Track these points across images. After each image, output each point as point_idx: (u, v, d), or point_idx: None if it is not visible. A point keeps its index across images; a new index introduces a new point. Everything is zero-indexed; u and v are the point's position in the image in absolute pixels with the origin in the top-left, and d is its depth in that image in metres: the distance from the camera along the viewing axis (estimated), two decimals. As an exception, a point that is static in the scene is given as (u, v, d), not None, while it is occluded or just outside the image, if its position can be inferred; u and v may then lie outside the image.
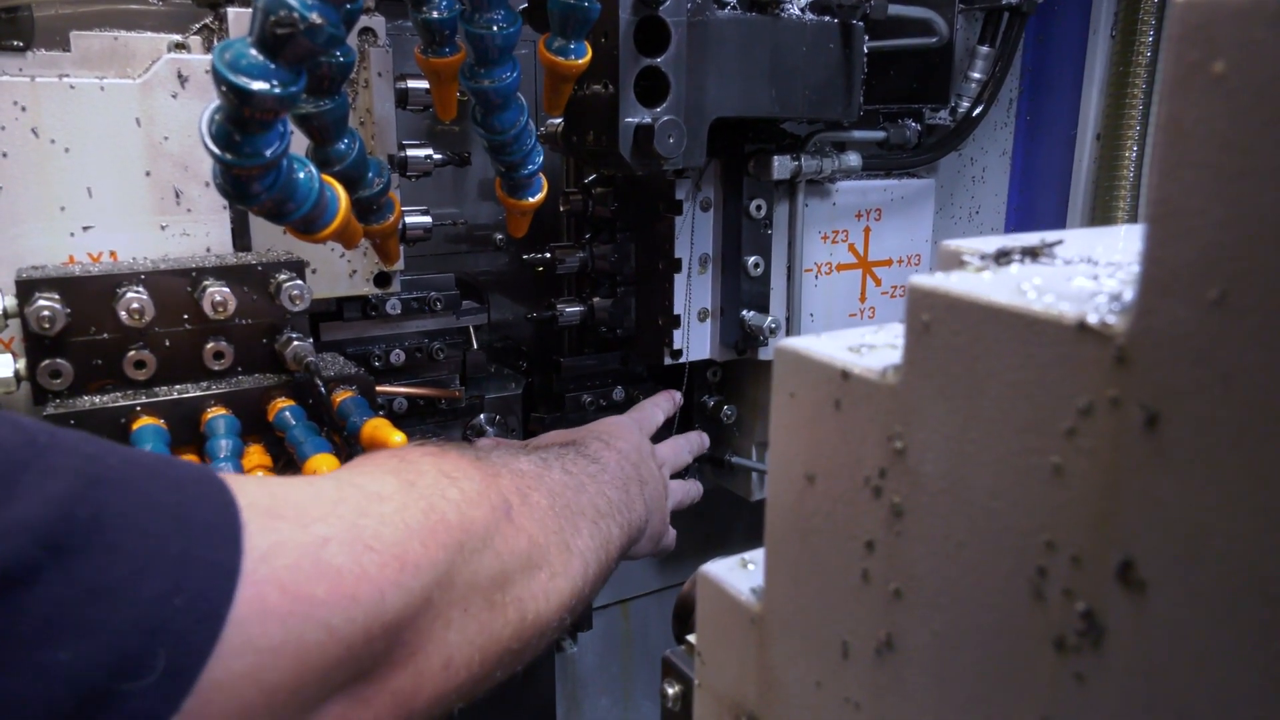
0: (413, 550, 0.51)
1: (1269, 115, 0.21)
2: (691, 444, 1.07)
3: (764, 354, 1.04)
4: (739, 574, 0.42)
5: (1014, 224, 1.42)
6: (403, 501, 0.53)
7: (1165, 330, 0.23)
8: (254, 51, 0.50)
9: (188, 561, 0.40)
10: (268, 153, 0.54)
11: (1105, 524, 0.25)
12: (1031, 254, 0.33)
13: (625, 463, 0.84)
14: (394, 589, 0.49)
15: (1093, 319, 0.24)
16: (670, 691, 0.51)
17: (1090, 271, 0.30)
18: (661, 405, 1.04)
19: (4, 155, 0.75)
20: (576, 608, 0.65)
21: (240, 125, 0.52)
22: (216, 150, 0.53)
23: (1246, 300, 0.21)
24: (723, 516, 1.36)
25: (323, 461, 0.72)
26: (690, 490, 1.02)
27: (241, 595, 0.42)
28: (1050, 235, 0.35)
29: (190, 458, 0.74)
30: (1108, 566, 0.25)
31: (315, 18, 0.49)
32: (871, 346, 0.34)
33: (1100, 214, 1.29)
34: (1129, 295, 0.26)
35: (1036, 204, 1.39)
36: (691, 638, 0.47)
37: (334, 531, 0.48)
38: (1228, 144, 0.22)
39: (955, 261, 0.33)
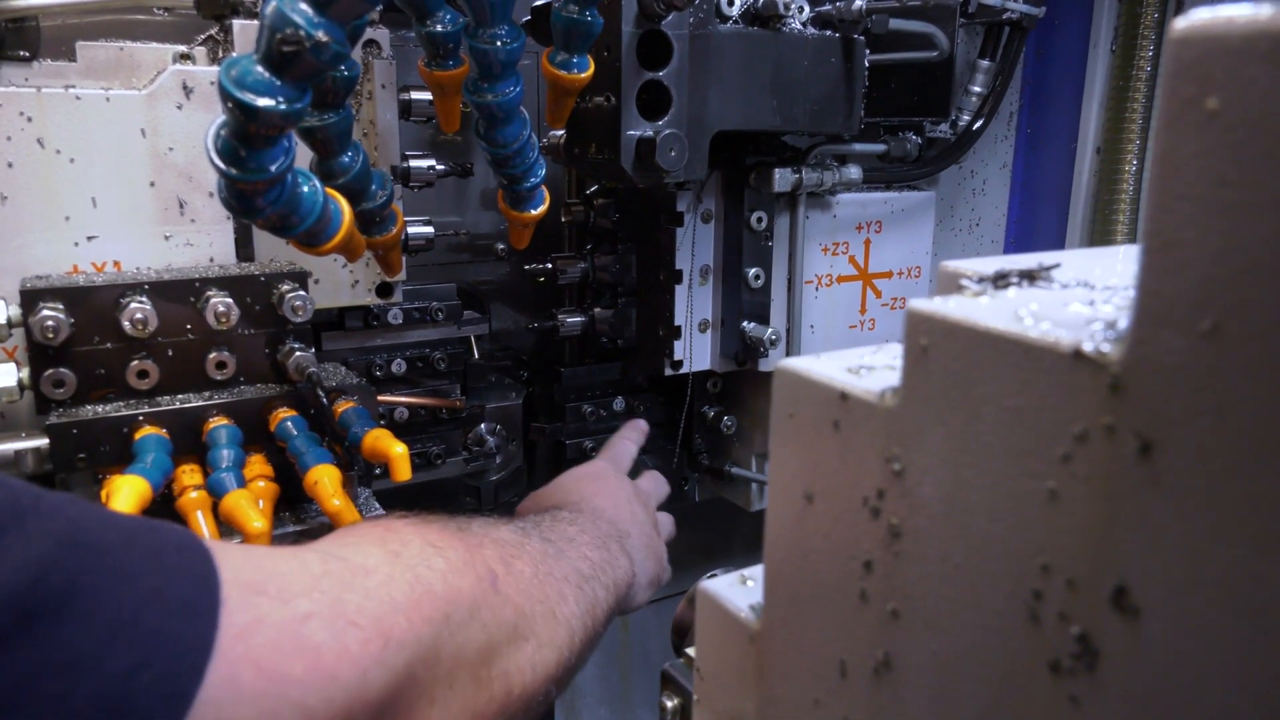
0: (398, 625, 0.49)
1: (1262, 150, 0.21)
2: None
3: (764, 365, 1.05)
4: (738, 590, 0.42)
5: (1014, 236, 1.42)
6: (388, 574, 0.52)
7: (1159, 360, 0.23)
8: (260, 68, 0.50)
9: (159, 636, 0.39)
10: (273, 167, 0.54)
11: (1100, 549, 0.25)
12: (1029, 277, 0.34)
13: (601, 521, 0.81)
14: (377, 666, 0.47)
15: (1088, 347, 0.25)
16: (669, 705, 0.51)
17: (1087, 297, 0.30)
18: (631, 439, 1.02)
19: (9, 165, 0.75)
20: (563, 678, 0.63)
21: (246, 141, 0.53)
22: (222, 165, 0.53)
23: (1239, 331, 0.22)
24: (722, 527, 1.36)
25: (324, 472, 0.72)
26: (667, 527, 0.99)
27: (214, 674, 0.40)
28: (1048, 258, 0.36)
29: (191, 468, 0.74)
30: (1102, 591, 0.25)
31: (321, 35, 0.49)
32: (870, 368, 0.34)
33: (1100, 226, 1.29)
34: (1124, 323, 0.26)
35: (1037, 216, 1.39)
36: (690, 651, 0.48)
37: (317, 607, 0.47)
38: (1221, 178, 0.22)
39: (954, 284, 0.34)
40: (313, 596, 0.47)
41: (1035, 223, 1.39)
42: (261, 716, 0.42)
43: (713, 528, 1.37)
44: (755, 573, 0.43)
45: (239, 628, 0.42)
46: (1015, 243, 1.42)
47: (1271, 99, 0.21)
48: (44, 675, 0.36)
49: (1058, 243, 1.35)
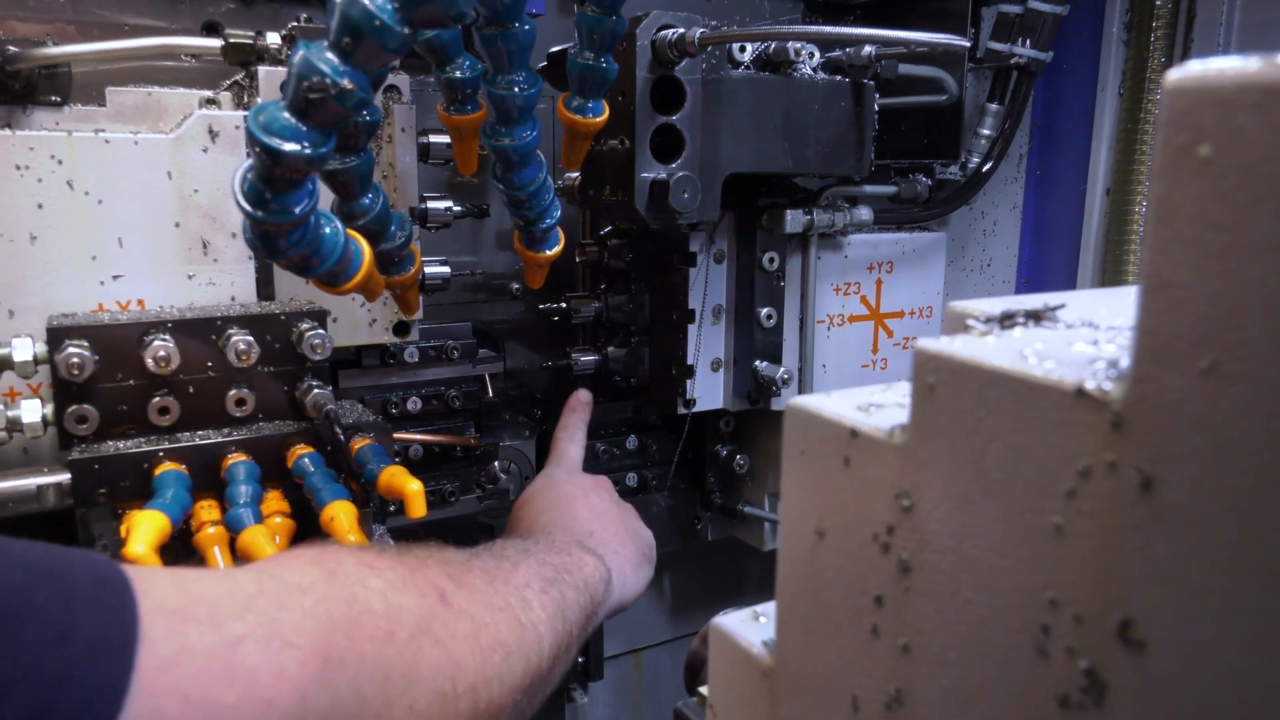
0: (338, 644, 0.48)
1: (1253, 196, 0.22)
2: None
3: (776, 404, 1.05)
4: (751, 627, 0.42)
5: (1025, 276, 1.43)
6: (325, 592, 0.50)
7: (1159, 397, 0.24)
8: (287, 114, 0.52)
9: (64, 680, 0.37)
10: (297, 210, 0.56)
11: (1105, 584, 0.25)
12: (1035, 317, 0.34)
13: (554, 531, 0.80)
14: (317, 687, 0.45)
15: (1090, 385, 0.25)
16: (682, 743, 0.51)
17: (1091, 336, 0.31)
18: (573, 430, 0.99)
19: (40, 206, 0.77)
20: (534, 686, 0.61)
21: (271, 184, 0.54)
22: (248, 207, 0.55)
23: (1236, 369, 0.22)
24: (735, 566, 1.36)
25: (340, 508, 0.73)
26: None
27: (132, 711, 0.39)
28: (1053, 298, 0.36)
29: (210, 503, 0.75)
30: (1108, 625, 0.25)
31: (346, 83, 0.51)
32: (880, 406, 0.35)
33: (1111, 267, 1.30)
34: (1126, 362, 0.27)
35: (1048, 257, 1.40)
36: (704, 689, 0.48)
37: (250, 629, 0.45)
38: (1215, 222, 0.23)
39: (961, 324, 0.34)
40: (246, 618, 0.45)
41: (1046, 263, 1.40)
42: None
43: (725, 568, 1.36)
44: (767, 609, 0.43)
45: (162, 659, 0.40)
46: (1027, 283, 1.43)
47: (1261, 147, 0.22)
48: None
49: (1069, 283, 1.35)
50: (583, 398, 1.03)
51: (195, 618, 0.44)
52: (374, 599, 0.52)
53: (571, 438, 0.99)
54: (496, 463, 1.11)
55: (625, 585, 0.82)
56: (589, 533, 0.82)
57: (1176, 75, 0.23)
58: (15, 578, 0.39)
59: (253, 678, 0.43)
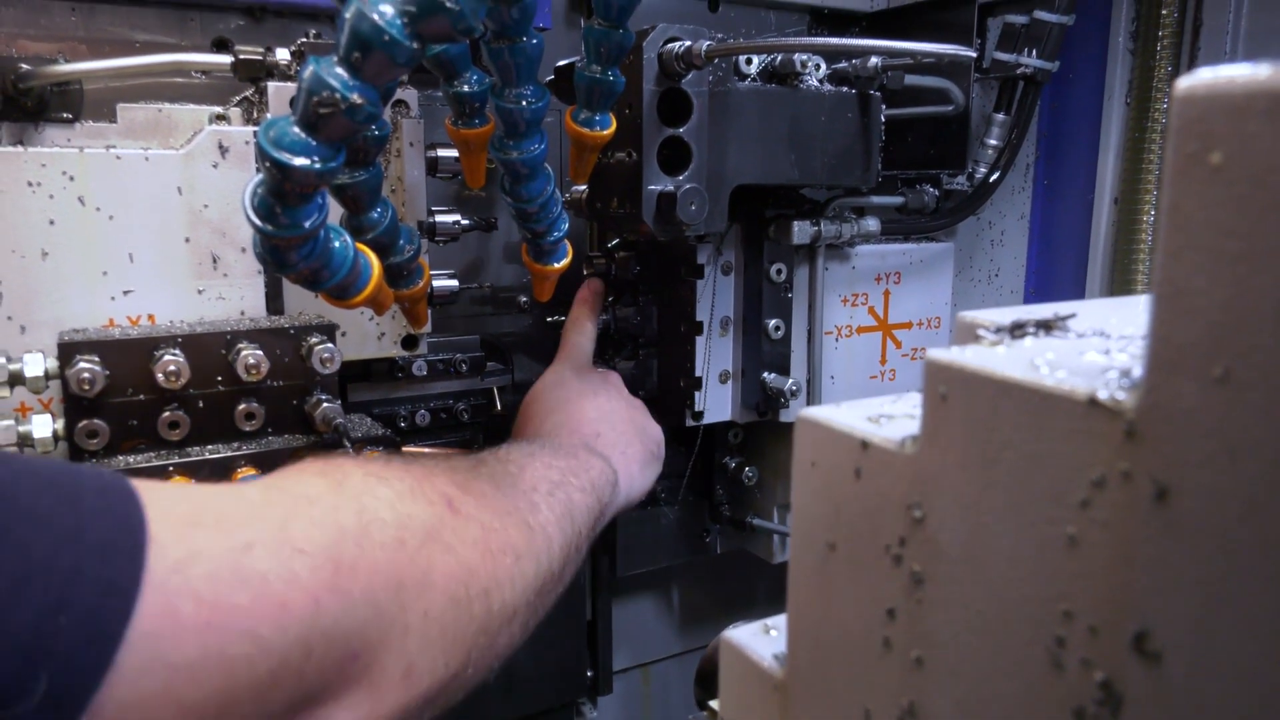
0: (348, 551, 0.48)
1: (1265, 203, 0.22)
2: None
3: (785, 416, 1.05)
4: (761, 640, 0.42)
5: (1034, 286, 1.43)
6: (333, 503, 0.50)
7: (1173, 406, 0.24)
8: (296, 129, 0.52)
9: (76, 576, 0.38)
10: (306, 224, 0.56)
11: (1120, 594, 0.25)
12: (1045, 327, 0.34)
13: (560, 434, 0.79)
14: (330, 593, 0.45)
15: (1103, 395, 0.25)
16: (693, 757, 0.51)
17: (1102, 345, 0.31)
18: (582, 323, 0.97)
19: (51, 222, 0.78)
20: (546, 587, 0.61)
21: (281, 198, 0.54)
22: (258, 222, 0.55)
23: (1249, 377, 0.22)
24: (745, 579, 1.36)
25: (349, 522, 0.73)
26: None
27: (147, 609, 0.39)
28: (1064, 307, 0.36)
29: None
30: (1124, 636, 0.25)
31: (356, 98, 0.51)
32: (890, 417, 0.34)
33: (1120, 276, 1.29)
34: (1138, 370, 0.27)
35: (1056, 266, 1.40)
36: (714, 703, 0.48)
37: (259, 535, 0.45)
38: (1227, 230, 0.23)
39: (971, 334, 0.34)
40: (254, 526, 0.45)
41: (1055, 273, 1.40)
42: (208, 648, 0.41)
43: (735, 581, 1.36)
44: (778, 622, 0.43)
45: (173, 561, 0.41)
46: (1035, 293, 1.43)
47: (1272, 154, 0.22)
48: None
49: (1078, 292, 1.35)
50: (594, 287, 1.00)
51: (203, 524, 0.44)
52: (382, 508, 0.52)
53: (581, 330, 0.98)
54: (505, 475, 1.10)
55: (633, 485, 0.82)
56: (596, 434, 0.82)
57: (1187, 83, 0.23)
58: (24, 484, 0.39)
59: (264, 582, 0.43)
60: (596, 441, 0.81)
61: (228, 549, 0.43)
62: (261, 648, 0.42)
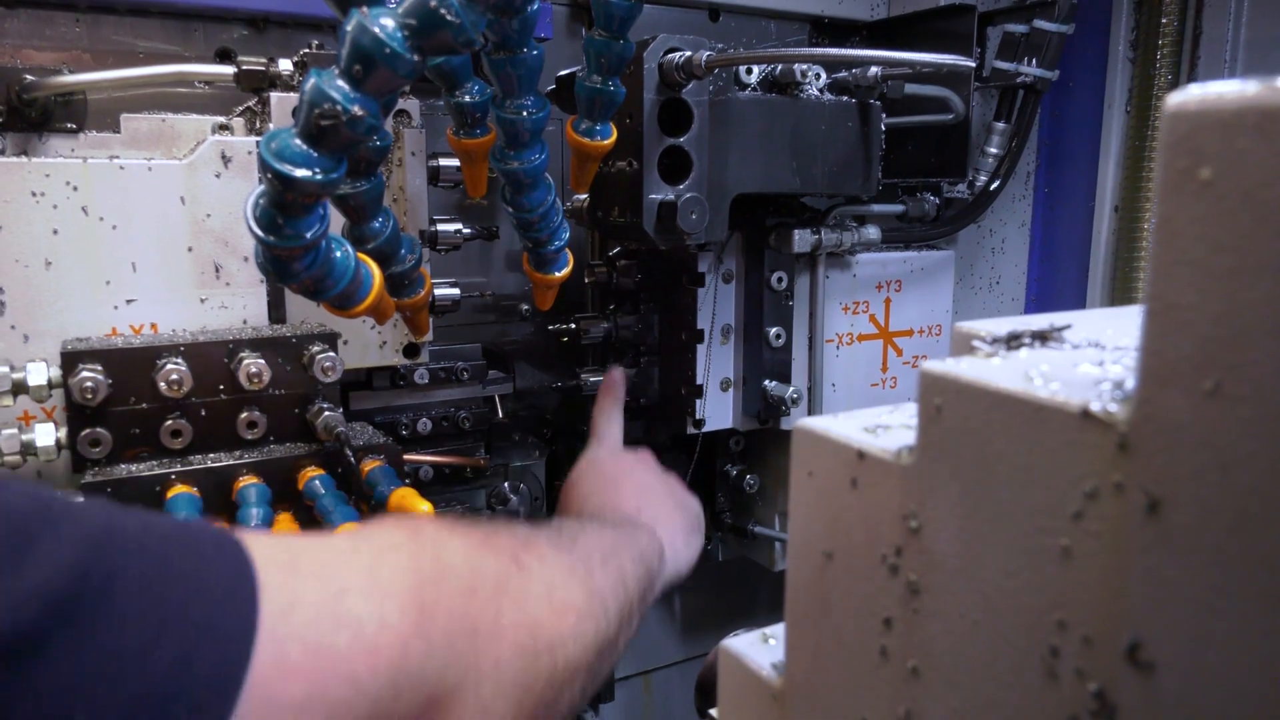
0: (428, 595, 0.50)
1: (1254, 218, 0.22)
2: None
3: (786, 424, 1.05)
4: (760, 649, 0.42)
5: (1035, 294, 1.43)
6: (413, 549, 0.52)
7: (1164, 419, 0.24)
8: (298, 141, 0.53)
9: (205, 626, 0.40)
10: (308, 234, 0.56)
11: (1113, 605, 0.25)
12: (1041, 338, 0.34)
13: (604, 510, 0.82)
14: (416, 637, 0.48)
15: (1096, 407, 0.26)
16: (692, 766, 0.51)
17: (1097, 357, 0.31)
18: (610, 412, 1.00)
19: (55, 232, 0.78)
20: (605, 652, 0.63)
21: (283, 209, 0.55)
22: (260, 232, 0.55)
23: (1240, 390, 0.23)
24: (746, 587, 1.36)
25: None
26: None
27: (261, 654, 0.41)
28: (1060, 318, 0.37)
29: (222, 525, 0.75)
30: (1117, 647, 0.25)
31: (357, 110, 0.51)
32: (887, 427, 0.35)
33: (1121, 283, 1.30)
34: (1132, 383, 0.27)
35: (1057, 274, 1.40)
36: (714, 712, 0.48)
37: (352, 581, 0.47)
38: (1217, 245, 0.23)
39: (967, 345, 0.34)
40: (346, 572, 0.48)
41: (1055, 281, 1.40)
42: (313, 690, 0.43)
43: (736, 588, 1.36)
44: (777, 631, 0.43)
45: (280, 606, 0.43)
46: (1036, 300, 1.43)
47: (1261, 169, 0.22)
48: (91, 674, 0.36)
49: (1078, 300, 1.35)
50: (616, 376, 1.03)
51: (302, 571, 0.46)
52: (456, 558, 0.54)
53: (610, 419, 1.00)
54: (506, 484, 1.11)
55: (678, 557, 0.84)
56: (638, 509, 0.84)
57: (1177, 99, 0.23)
58: (147, 535, 0.41)
59: (360, 625, 0.46)
60: (640, 516, 0.83)
61: (326, 594, 0.46)
62: (358, 690, 0.45)
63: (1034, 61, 1.18)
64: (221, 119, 0.90)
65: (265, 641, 0.42)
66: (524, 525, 0.70)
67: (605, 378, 1.04)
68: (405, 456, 0.93)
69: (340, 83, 0.52)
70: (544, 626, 0.57)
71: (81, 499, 0.42)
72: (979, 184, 1.22)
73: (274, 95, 0.85)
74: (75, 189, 0.79)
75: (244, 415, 0.79)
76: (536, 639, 0.56)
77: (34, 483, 0.43)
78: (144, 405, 0.76)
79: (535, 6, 0.67)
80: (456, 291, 0.97)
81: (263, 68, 0.86)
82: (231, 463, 0.78)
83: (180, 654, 0.39)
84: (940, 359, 0.31)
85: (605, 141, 0.80)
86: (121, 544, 0.40)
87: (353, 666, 0.44)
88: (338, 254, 0.63)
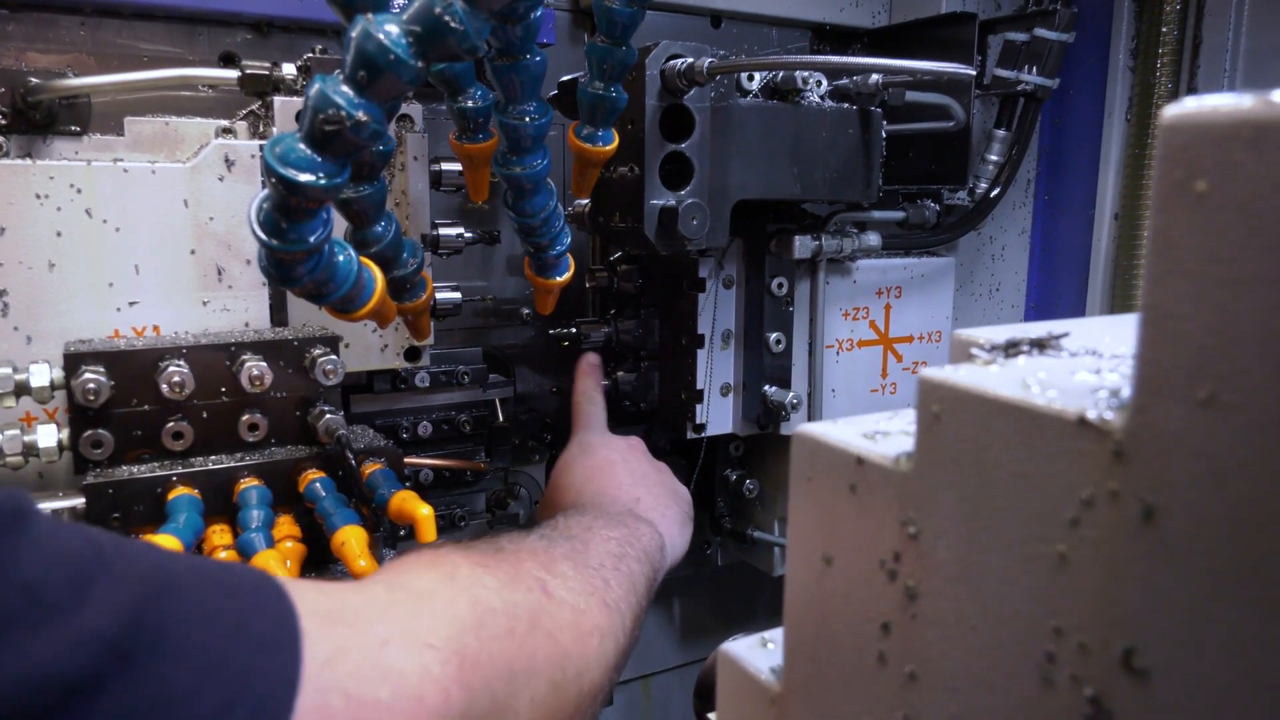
0: (469, 645, 0.50)
1: (1248, 230, 0.23)
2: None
3: (786, 429, 1.05)
4: (759, 653, 0.42)
5: (1035, 301, 1.43)
6: (449, 596, 0.53)
7: (1160, 427, 0.24)
8: (302, 146, 0.53)
9: (248, 673, 0.40)
10: (311, 238, 0.57)
11: (1109, 612, 0.26)
12: (1039, 346, 0.35)
13: (605, 500, 0.82)
14: (458, 686, 0.48)
15: (1092, 415, 0.26)
16: (691, 770, 0.51)
17: (1094, 365, 0.31)
18: (592, 394, 1.00)
19: (59, 234, 0.78)
20: (620, 664, 0.64)
21: (287, 213, 0.55)
22: (264, 236, 0.56)
23: (1235, 400, 0.23)
24: (746, 591, 1.36)
25: (351, 533, 0.73)
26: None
27: (304, 704, 0.41)
28: (1058, 326, 0.37)
29: (222, 528, 0.76)
30: (1113, 654, 0.26)
31: (361, 115, 0.52)
32: (885, 433, 0.35)
33: (1121, 291, 1.30)
34: (1128, 391, 0.27)
35: (1057, 282, 1.40)
36: (712, 716, 0.48)
37: (392, 633, 0.47)
38: (1212, 256, 0.23)
39: (965, 352, 0.35)
40: (386, 623, 0.48)
41: (1055, 288, 1.40)
42: None
43: (736, 593, 1.36)
44: (776, 635, 0.43)
45: (323, 657, 0.43)
46: (1036, 308, 1.43)
47: (1256, 182, 0.22)
48: (143, 716, 0.37)
49: (1078, 307, 1.35)
50: (591, 360, 1.04)
51: (343, 621, 0.46)
52: (493, 598, 0.55)
53: (592, 400, 1.01)
54: (506, 486, 1.11)
55: (675, 547, 0.84)
56: (636, 499, 0.84)
57: (1173, 111, 0.24)
58: (192, 578, 0.42)
59: (402, 677, 0.46)
60: (638, 506, 0.83)
61: (368, 645, 0.46)
62: None
63: (1035, 70, 1.19)
64: (225, 123, 0.90)
65: (309, 691, 0.42)
66: (534, 534, 0.70)
67: (581, 361, 1.04)
68: (406, 460, 0.94)
69: (345, 88, 0.52)
70: (572, 656, 0.58)
71: (127, 539, 0.42)
72: (979, 191, 1.22)
73: (277, 99, 0.86)
74: (79, 191, 0.79)
75: (245, 418, 0.79)
76: (565, 670, 0.57)
77: (84, 525, 0.43)
78: (146, 407, 0.76)
79: (538, 13, 0.68)
80: (458, 295, 0.97)
81: (266, 72, 0.87)
82: (233, 465, 0.78)
83: (224, 701, 0.39)
84: (939, 366, 0.32)
85: (607, 147, 0.80)
86: (171, 588, 0.40)
87: (396, 718, 0.45)
88: (340, 258, 0.63)
